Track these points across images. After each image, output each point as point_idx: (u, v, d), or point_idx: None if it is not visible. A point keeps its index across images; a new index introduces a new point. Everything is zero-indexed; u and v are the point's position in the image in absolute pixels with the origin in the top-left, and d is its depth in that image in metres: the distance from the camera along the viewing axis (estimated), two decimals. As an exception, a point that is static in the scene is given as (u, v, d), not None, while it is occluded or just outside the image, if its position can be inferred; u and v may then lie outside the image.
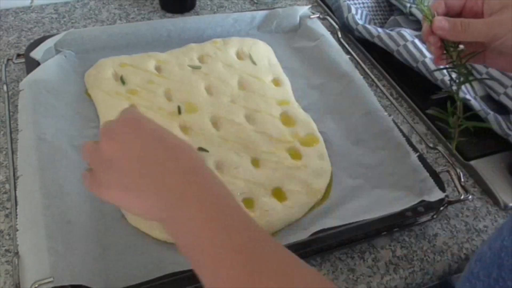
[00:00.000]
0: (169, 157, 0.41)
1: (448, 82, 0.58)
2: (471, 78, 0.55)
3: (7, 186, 0.58)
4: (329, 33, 0.81)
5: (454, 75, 0.56)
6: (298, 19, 0.84)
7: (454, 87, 0.56)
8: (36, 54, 0.68)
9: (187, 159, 0.42)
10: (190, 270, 0.49)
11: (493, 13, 0.53)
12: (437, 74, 0.74)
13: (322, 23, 0.84)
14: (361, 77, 0.73)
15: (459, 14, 0.56)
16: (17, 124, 0.60)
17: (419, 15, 0.85)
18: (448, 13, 0.56)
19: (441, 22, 0.54)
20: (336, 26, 0.85)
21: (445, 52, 0.56)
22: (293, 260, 0.37)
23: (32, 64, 0.67)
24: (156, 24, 0.77)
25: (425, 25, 0.56)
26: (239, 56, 0.76)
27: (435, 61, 0.58)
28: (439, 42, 0.55)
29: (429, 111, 0.61)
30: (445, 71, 0.58)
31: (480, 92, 0.76)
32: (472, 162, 0.67)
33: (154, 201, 0.40)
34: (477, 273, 0.43)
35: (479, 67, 0.76)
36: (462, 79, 0.55)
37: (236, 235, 0.37)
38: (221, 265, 0.36)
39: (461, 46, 0.55)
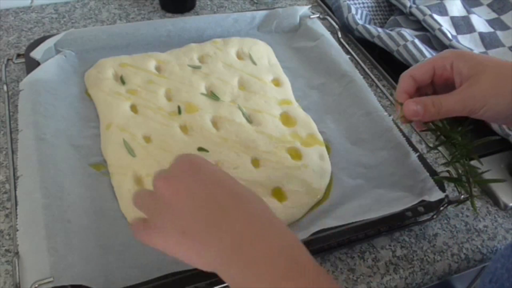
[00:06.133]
0: (233, 203, 0.40)
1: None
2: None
3: (7, 186, 0.58)
4: (329, 33, 0.81)
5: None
6: (298, 19, 0.84)
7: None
8: (36, 54, 0.68)
9: (251, 208, 0.40)
10: (190, 270, 0.49)
11: (463, 81, 0.51)
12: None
13: (322, 23, 0.84)
14: (361, 77, 0.73)
15: (430, 84, 0.55)
16: (17, 124, 0.60)
17: (419, 15, 0.85)
18: (420, 86, 0.54)
19: (412, 107, 0.51)
20: (336, 26, 0.85)
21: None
22: None
23: (32, 64, 0.67)
24: (156, 24, 0.77)
25: (399, 111, 0.53)
26: (239, 56, 0.76)
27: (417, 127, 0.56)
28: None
29: (437, 178, 0.58)
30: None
31: None
32: (472, 162, 0.67)
33: (210, 246, 0.38)
34: None
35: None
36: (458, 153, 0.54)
37: None
38: None
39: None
